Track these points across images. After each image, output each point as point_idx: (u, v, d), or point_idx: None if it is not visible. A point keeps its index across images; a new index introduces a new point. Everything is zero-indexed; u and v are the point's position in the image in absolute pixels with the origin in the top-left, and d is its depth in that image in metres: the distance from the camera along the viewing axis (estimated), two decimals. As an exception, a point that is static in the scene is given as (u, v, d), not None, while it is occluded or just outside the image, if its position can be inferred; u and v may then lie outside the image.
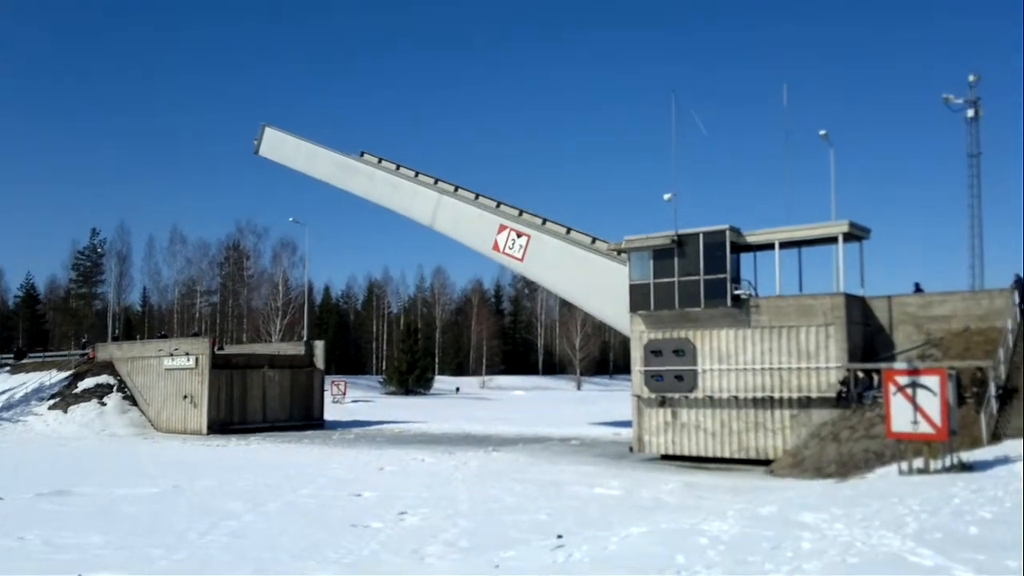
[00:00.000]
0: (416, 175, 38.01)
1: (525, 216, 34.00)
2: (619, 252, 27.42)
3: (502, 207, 34.64)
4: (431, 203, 36.19)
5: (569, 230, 32.63)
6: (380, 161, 39.60)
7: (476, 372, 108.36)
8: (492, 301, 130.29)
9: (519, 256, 32.41)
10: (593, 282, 29.90)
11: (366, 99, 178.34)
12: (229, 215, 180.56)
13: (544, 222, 33.46)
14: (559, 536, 11.81)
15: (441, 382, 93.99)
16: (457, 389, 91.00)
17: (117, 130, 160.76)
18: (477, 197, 35.61)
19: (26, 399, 45.40)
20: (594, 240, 31.62)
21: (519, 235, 32.38)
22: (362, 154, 40.50)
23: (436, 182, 37.09)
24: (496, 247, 33.12)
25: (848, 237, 24.72)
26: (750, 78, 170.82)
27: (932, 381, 15.47)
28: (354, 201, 42.00)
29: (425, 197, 36.56)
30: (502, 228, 32.96)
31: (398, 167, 38.91)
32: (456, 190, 36.30)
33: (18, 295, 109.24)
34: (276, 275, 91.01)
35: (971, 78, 27.56)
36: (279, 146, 43.76)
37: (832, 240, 24.87)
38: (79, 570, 11.29)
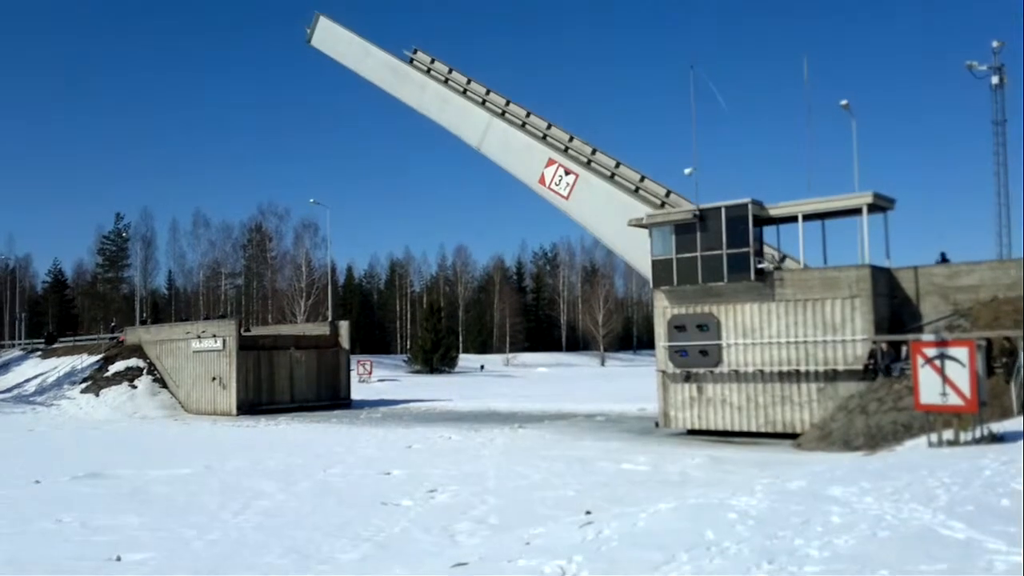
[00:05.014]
0: (468, 82, 36.15)
1: (575, 143, 32.50)
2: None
3: (552, 129, 33.19)
4: (481, 125, 34.51)
5: (618, 164, 31.25)
6: (432, 62, 37.53)
7: (500, 350, 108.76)
8: (514, 278, 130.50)
9: (565, 194, 31.20)
10: (636, 233, 28.48)
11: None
12: (250, 198, 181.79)
13: (594, 152, 31.98)
14: (588, 512, 11.87)
15: (465, 360, 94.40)
16: (481, 367, 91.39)
17: (135, 115, 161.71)
18: (528, 115, 33.99)
19: (58, 383, 46.21)
20: (643, 179, 30.41)
21: (567, 172, 31.14)
22: (415, 51, 38.42)
23: (487, 93, 35.33)
24: (543, 181, 31.82)
25: (873, 208, 24.41)
26: (771, 46, 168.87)
27: (961, 352, 15.32)
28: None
29: (476, 118, 34.80)
30: (551, 162, 31.69)
31: (450, 71, 36.87)
32: (507, 104, 34.67)
33: (46, 280, 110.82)
34: (299, 256, 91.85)
35: (995, 44, 27.07)
36: (331, 38, 41.68)
37: (856, 212, 24.58)
38: (117, 551, 11.51)
